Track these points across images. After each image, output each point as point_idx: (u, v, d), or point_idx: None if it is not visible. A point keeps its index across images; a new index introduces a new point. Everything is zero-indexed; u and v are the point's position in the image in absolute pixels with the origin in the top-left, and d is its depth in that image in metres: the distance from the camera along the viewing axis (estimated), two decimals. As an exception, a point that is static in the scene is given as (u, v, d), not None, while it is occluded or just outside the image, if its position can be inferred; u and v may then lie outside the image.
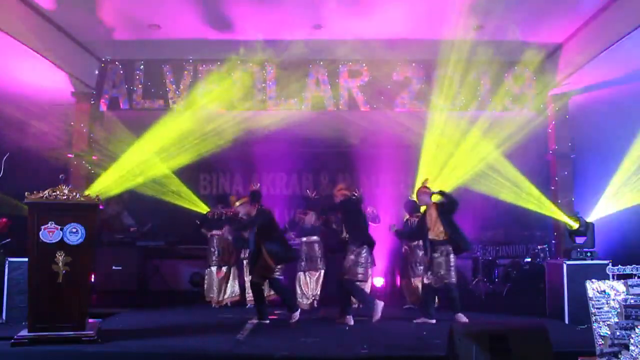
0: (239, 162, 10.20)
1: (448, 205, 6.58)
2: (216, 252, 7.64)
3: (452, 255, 6.46)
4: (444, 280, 6.38)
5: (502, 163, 8.27)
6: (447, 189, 7.40)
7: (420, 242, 7.07)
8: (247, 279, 7.43)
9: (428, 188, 6.79)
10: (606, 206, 7.46)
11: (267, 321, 6.39)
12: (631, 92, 7.76)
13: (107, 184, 7.92)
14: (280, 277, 6.74)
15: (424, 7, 6.69)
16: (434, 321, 6.29)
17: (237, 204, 6.91)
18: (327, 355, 4.75)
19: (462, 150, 8.56)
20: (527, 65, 8.26)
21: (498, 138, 8.38)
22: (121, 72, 8.33)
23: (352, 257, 6.38)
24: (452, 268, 6.41)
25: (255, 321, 6.35)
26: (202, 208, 8.63)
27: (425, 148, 9.27)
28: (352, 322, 6.23)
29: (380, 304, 6.30)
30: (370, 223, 7.46)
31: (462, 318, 6.22)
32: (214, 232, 7.70)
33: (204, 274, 7.82)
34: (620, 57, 6.79)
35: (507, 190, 8.24)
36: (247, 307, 7.38)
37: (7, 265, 6.08)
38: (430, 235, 6.54)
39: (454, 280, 6.42)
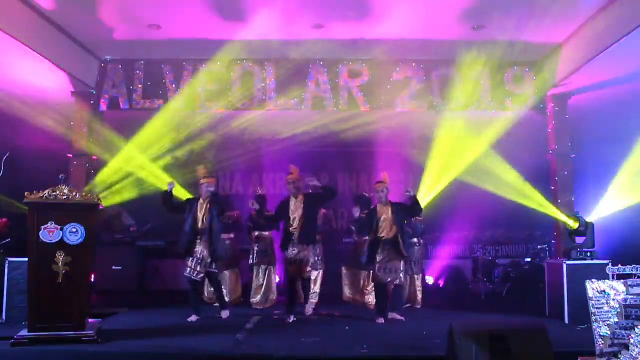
0: (239, 162, 10.20)
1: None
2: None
3: None
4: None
5: (502, 163, 8.29)
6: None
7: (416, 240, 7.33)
8: (259, 281, 7.55)
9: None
10: (606, 206, 7.47)
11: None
12: (631, 92, 7.77)
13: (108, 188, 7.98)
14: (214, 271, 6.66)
15: (424, 7, 6.68)
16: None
17: (204, 180, 6.49)
18: (327, 355, 4.75)
19: (462, 150, 8.58)
20: (527, 65, 8.28)
21: (498, 138, 8.40)
22: (121, 72, 8.33)
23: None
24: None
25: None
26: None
27: (425, 148, 9.30)
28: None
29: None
30: None
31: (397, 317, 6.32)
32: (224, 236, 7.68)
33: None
34: (620, 57, 6.79)
35: (507, 189, 8.25)
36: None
37: (7, 265, 6.08)
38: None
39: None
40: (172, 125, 8.36)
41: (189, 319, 6.36)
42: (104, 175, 8.09)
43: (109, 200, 8.10)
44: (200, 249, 6.37)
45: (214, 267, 6.53)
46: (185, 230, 6.42)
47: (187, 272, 6.40)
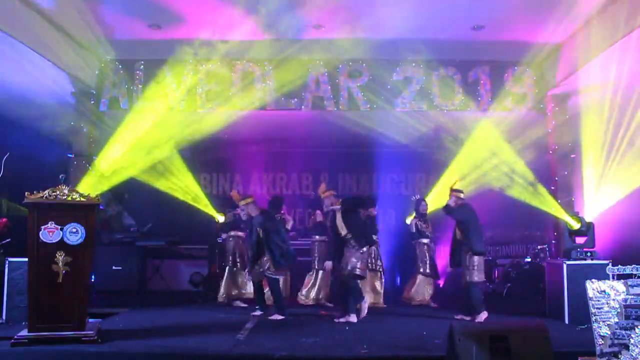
0: (239, 162, 10.21)
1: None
2: (232, 253, 7.71)
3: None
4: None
5: (504, 162, 8.30)
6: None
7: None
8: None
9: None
10: (601, 203, 7.49)
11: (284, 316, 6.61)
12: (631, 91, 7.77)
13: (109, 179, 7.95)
14: (277, 277, 6.82)
15: (424, 7, 6.68)
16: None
17: (242, 203, 7.02)
18: (327, 355, 4.75)
19: (465, 150, 8.60)
20: (527, 65, 8.27)
21: (499, 138, 8.40)
22: (121, 72, 8.32)
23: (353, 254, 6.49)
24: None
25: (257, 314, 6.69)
26: (203, 206, 8.72)
27: (427, 148, 9.30)
28: (354, 320, 6.29)
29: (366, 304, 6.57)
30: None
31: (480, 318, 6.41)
32: (231, 233, 7.79)
33: (204, 274, 7.85)
34: (620, 57, 6.79)
35: (509, 189, 8.26)
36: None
37: (7, 265, 6.07)
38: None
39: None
40: (172, 124, 8.37)
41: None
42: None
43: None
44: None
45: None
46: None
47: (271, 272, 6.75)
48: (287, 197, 9.96)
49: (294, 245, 8.27)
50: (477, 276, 6.48)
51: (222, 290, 7.65)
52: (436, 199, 8.40)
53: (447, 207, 6.78)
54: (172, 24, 7.24)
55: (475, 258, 6.48)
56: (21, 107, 7.91)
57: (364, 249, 6.51)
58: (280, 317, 6.59)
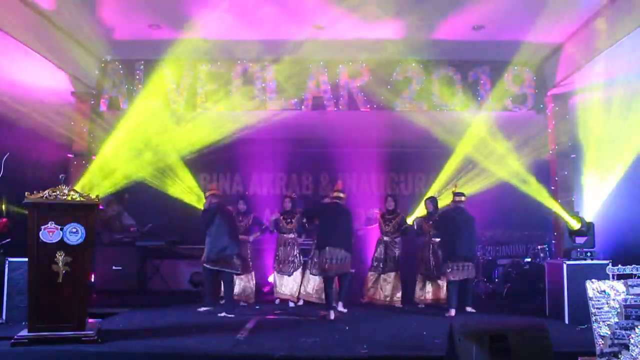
0: (239, 162, 10.21)
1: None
2: None
3: None
4: None
5: (504, 162, 8.30)
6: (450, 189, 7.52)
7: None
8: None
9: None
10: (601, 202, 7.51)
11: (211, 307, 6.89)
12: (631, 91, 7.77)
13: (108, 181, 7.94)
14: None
15: (424, 7, 6.67)
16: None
17: (207, 193, 7.29)
18: (327, 355, 4.75)
19: (464, 150, 8.60)
20: (527, 65, 8.28)
21: (498, 138, 8.40)
22: (121, 72, 8.32)
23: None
24: None
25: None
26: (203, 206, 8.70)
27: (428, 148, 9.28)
28: (332, 317, 6.44)
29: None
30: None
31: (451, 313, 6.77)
32: None
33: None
34: (621, 57, 6.79)
35: (508, 188, 8.25)
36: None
37: (7, 265, 6.07)
38: None
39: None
40: (171, 124, 8.38)
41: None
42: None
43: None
44: None
45: None
46: None
47: None
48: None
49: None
50: (452, 275, 6.88)
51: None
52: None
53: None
54: (172, 23, 7.25)
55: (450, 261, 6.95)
56: (21, 107, 7.90)
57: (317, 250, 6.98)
58: (205, 308, 6.91)
